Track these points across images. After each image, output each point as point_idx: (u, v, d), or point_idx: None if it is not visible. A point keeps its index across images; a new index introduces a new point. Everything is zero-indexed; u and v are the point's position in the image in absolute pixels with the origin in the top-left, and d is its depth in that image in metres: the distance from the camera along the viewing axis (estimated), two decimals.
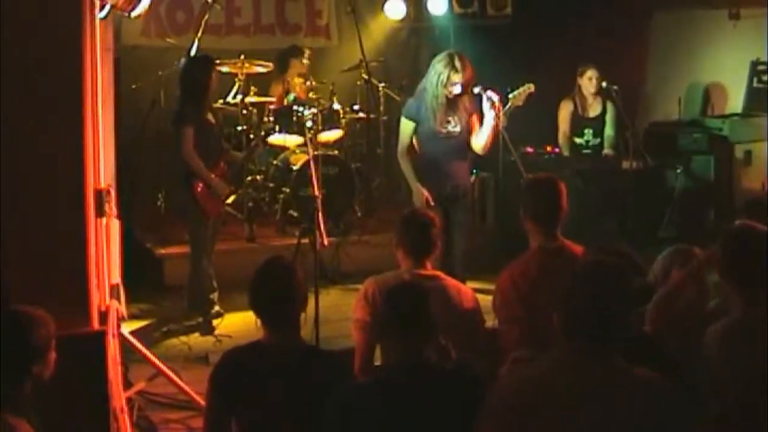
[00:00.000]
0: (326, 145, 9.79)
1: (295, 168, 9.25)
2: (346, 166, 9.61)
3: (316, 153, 8.53)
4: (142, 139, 9.90)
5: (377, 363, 4.83)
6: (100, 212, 5.22)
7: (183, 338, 7.58)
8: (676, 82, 11.43)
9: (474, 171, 7.86)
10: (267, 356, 4.08)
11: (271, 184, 9.58)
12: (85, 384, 5.01)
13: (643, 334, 4.33)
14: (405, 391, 3.67)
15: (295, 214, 9.26)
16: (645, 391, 3.30)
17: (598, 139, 9.87)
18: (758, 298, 4.13)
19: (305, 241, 7.25)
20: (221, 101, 9.50)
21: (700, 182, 10.19)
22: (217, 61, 8.29)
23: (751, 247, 4.25)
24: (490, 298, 5.10)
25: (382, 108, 10.53)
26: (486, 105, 7.22)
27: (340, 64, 10.77)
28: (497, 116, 7.22)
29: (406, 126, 7.34)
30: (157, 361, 6.21)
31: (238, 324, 7.55)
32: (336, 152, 9.81)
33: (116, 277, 5.81)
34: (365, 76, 10.20)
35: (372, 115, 10.38)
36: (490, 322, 5.11)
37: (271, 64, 10.03)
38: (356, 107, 10.33)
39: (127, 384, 6.05)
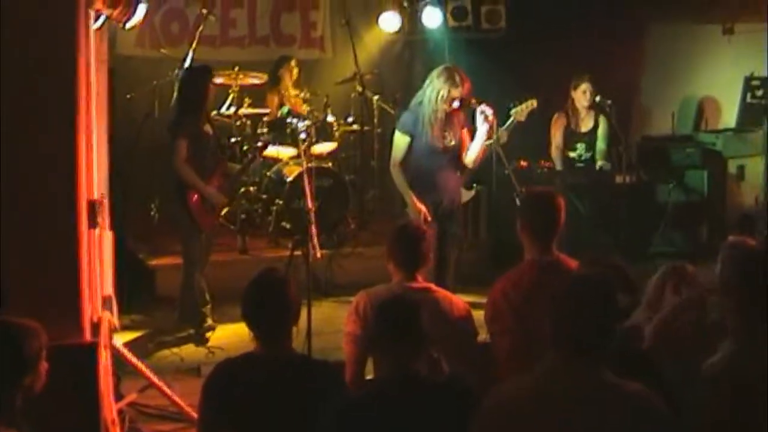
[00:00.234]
0: (320, 157, 9.79)
1: (288, 180, 9.25)
2: (340, 178, 9.61)
3: (309, 165, 8.52)
4: (136, 150, 9.86)
5: (368, 377, 4.83)
6: (92, 223, 5.21)
7: (175, 350, 7.56)
8: (670, 97, 11.46)
9: (474, 185, 7.84)
10: (260, 367, 4.07)
11: (264, 196, 9.58)
12: (77, 395, 5.00)
13: (640, 352, 4.33)
14: (397, 403, 3.66)
15: (288, 226, 9.25)
16: (632, 402, 3.31)
17: (590, 153, 9.88)
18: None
19: (298, 253, 7.24)
20: (215, 112, 9.49)
21: (693, 197, 10.21)
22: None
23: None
24: (482, 310, 5.09)
25: (376, 120, 10.53)
26: (479, 118, 7.23)
27: (335, 77, 10.78)
28: (491, 129, 7.23)
29: (401, 140, 7.30)
30: (149, 373, 6.19)
31: (230, 336, 7.54)
32: (330, 164, 9.81)
33: (108, 289, 5.80)
34: (359, 89, 10.21)
35: (366, 128, 10.38)
36: (483, 335, 5.10)
37: (265, 76, 10.04)
38: (350, 119, 10.33)
39: (119, 395, 6.03)
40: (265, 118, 9.70)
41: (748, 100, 10.94)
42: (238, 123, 9.54)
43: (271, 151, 9.41)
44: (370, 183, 10.67)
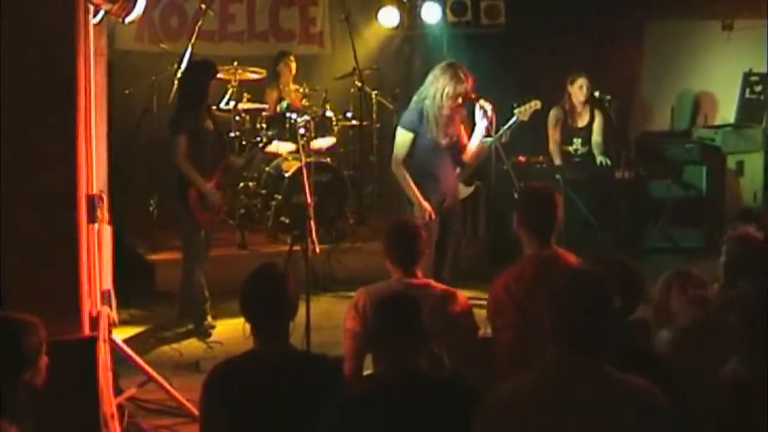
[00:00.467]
0: (319, 152, 9.79)
1: (287, 175, 9.24)
2: (339, 173, 9.61)
3: (308, 160, 8.53)
4: (135, 145, 9.89)
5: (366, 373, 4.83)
6: (92, 218, 5.21)
7: (174, 345, 7.55)
8: (670, 93, 11.48)
9: (474, 182, 7.83)
10: (261, 364, 4.06)
11: (263, 191, 9.58)
12: (76, 390, 5.00)
13: (645, 347, 4.35)
14: (399, 399, 3.66)
15: (287, 221, 9.26)
16: (635, 397, 3.31)
17: (587, 148, 9.89)
18: None
19: (297, 248, 7.25)
20: (214, 107, 9.48)
21: (692, 192, 10.20)
22: None
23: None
24: (481, 306, 5.10)
25: (375, 116, 10.53)
26: (478, 114, 7.22)
27: (334, 72, 10.77)
28: (490, 125, 7.23)
29: (405, 137, 7.23)
30: (148, 368, 6.19)
31: (229, 331, 7.53)
32: (328, 159, 9.81)
33: (107, 283, 5.80)
34: (358, 84, 10.21)
35: (365, 123, 10.39)
36: (483, 330, 5.10)
37: (264, 71, 10.04)
38: (349, 115, 10.33)
39: (118, 390, 6.03)
40: (264, 114, 9.70)
41: (747, 95, 10.94)
42: (237, 118, 9.53)
43: (270, 146, 9.41)
44: (368, 178, 10.68)
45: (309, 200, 7.11)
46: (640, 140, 10.89)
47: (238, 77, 9.72)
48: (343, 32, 10.61)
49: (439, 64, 7.35)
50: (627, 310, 4.12)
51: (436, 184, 7.29)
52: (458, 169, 7.44)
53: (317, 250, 6.96)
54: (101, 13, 5.52)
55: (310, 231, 6.75)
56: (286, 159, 9.55)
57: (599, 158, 9.73)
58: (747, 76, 10.93)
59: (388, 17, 10.89)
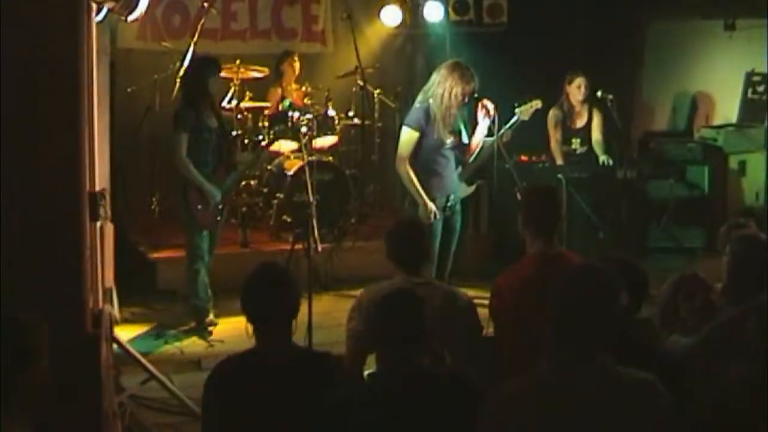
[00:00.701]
0: (321, 150, 9.80)
1: (289, 173, 9.25)
2: (341, 172, 9.62)
3: (310, 158, 8.53)
4: (137, 143, 9.91)
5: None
6: (94, 215, 5.21)
7: (176, 343, 7.55)
8: (671, 92, 11.49)
9: (475, 181, 7.83)
10: (264, 361, 4.05)
11: (265, 189, 9.59)
12: (78, 388, 4.99)
13: (650, 344, 4.36)
14: (401, 398, 3.66)
15: (289, 219, 9.26)
16: (638, 391, 3.32)
17: (585, 148, 9.87)
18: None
19: (299, 246, 7.25)
20: None
21: (694, 192, 10.21)
22: None
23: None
24: (484, 304, 5.10)
25: (377, 114, 10.54)
26: (480, 113, 7.23)
27: (336, 70, 10.77)
28: (492, 124, 7.23)
29: (411, 136, 7.18)
30: (149, 366, 6.20)
31: (230, 329, 7.52)
32: (330, 158, 9.82)
33: (109, 281, 5.81)
34: (360, 83, 10.20)
35: (367, 122, 10.38)
36: (486, 329, 5.10)
37: (266, 69, 10.05)
38: (351, 113, 10.34)
39: (119, 388, 6.04)
40: (266, 112, 9.70)
41: (749, 95, 10.95)
42: (239, 116, 9.54)
43: (273, 144, 9.40)
44: (370, 177, 10.68)
45: (311, 199, 7.12)
46: (642, 140, 10.89)
47: (240, 76, 9.73)
48: (346, 31, 10.60)
49: (442, 63, 7.35)
50: (632, 308, 4.13)
51: (440, 183, 7.27)
52: (459, 168, 7.44)
53: (319, 248, 6.98)
54: (104, 12, 5.53)
55: (312, 229, 6.75)
56: (288, 157, 9.56)
57: (602, 158, 9.71)
58: (749, 76, 10.94)
59: (391, 16, 10.88)
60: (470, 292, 5.46)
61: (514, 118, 7.50)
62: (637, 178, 9.84)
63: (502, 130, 7.36)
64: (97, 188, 5.30)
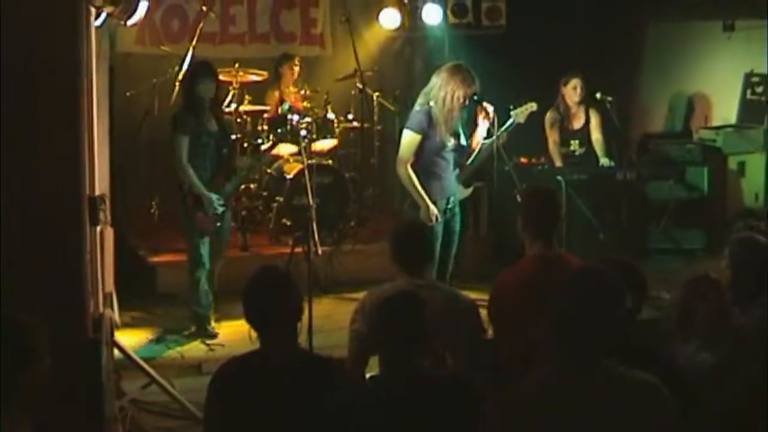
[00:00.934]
0: (320, 154, 9.80)
1: (288, 177, 9.25)
2: (340, 175, 9.62)
3: (310, 162, 8.53)
4: (136, 147, 9.91)
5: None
6: (94, 220, 5.21)
7: (176, 347, 7.55)
8: (670, 94, 11.49)
9: (473, 183, 7.82)
10: (266, 364, 4.05)
11: (265, 193, 9.59)
12: (79, 392, 5.00)
13: (652, 345, 4.36)
14: (403, 400, 3.65)
15: (289, 223, 9.26)
16: (641, 392, 3.33)
17: (584, 149, 9.86)
18: None
19: (299, 250, 7.25)
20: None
21: (693, 193, 10.22)
22: None
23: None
24: (483, 305, 5.10)
25: (376, 117, 10.53)
26: (480, 115, 7.24)
27: (335, 73, 10.77)
28: (492, 126, 7.24)
29: (413, 139, 7.15)
30: (150, 370, 6.20)
31: (231, 333, 7.54)
32: (330, 161, 9.82)
33: (110, 285, 5.81)
34: (359, 86, 10.21)
35: (366, 125, 10.39)
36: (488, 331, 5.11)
37: (265, 73, 10.05)
38: (350, 116, 10.35)
39: (120, 392, 6.04)
40: (266, 115, 9.71)
41: (749, 96, 10.94)
42: (238, 120, 9.54)
43: (274, 148, 9.39)
44: (370, 180, 10.68)
45: (311, 202, 7.11)
46: (642, 141, 10.89)
47: (239, 79, 9.73)
48: (344, 34, 10.60)
49: (441, 65, 7.34)
50: (632, 310, 4.13)
51: (441, 185, 7.26)
52: (456, 171, 7.44)
53: (319, 251, 6.97)
54: (103, 16, 5.53)
55: (312, 233, 6.75)
56: (287, 161, 9.56)
57: (602, 160, 9.69)
58: (748, 76, 10.93)
59: (389, 19, 10.88)
60: (471, 294, 5.46)
61: (510, 121, 7.50)
62: (637, 179, 9.83)
63: (498, 132, 7.36)
64: (97, 193, 5.30)
